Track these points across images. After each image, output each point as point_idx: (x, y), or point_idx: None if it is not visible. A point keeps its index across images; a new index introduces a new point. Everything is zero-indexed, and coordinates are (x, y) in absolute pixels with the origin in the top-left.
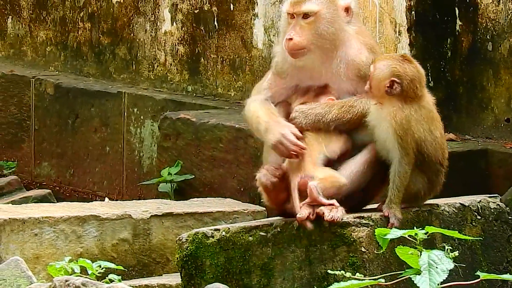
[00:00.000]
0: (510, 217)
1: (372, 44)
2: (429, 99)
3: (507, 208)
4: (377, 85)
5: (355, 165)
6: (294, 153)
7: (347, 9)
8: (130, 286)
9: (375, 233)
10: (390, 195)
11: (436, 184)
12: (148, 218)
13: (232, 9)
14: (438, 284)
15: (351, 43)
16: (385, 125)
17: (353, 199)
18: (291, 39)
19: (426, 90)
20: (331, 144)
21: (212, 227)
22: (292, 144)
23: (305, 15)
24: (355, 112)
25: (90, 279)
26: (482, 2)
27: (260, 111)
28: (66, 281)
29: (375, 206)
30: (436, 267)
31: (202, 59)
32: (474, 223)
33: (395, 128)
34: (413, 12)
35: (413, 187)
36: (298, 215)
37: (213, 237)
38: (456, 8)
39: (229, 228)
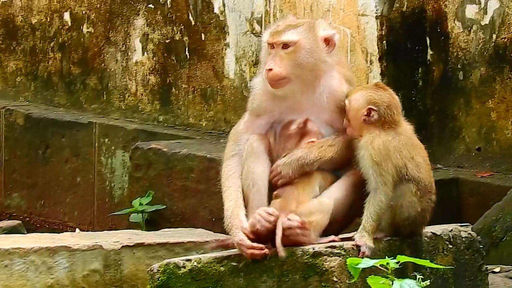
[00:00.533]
0: (481, 246)
1: (350, 76)
2: (407, 127)
3: (478, 237)
4: (355, 115)
5: (338, 192)
6: (253, 256)
7: (327, 40)
8: None
9: (347, 263)
10: (363, 223)
11: (425, 212)
12: (119, 249)
13: (203, 39)
14: None
15: (332, 74)
16: (364, 153)
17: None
18: (270, 69)
19: (402, 117)
20: (316, 180)
21: (184, 258)
22: (247, 249)
23: (285, 45)
24: (335, 150)
25: None
26: (453, 31)
27: (226, 191)
28: None
29: (349, 235)
30: None
31: (174, 89)
32: (445, 252)
33: (372, 155)
34: (384, 42)
35: (400, 214)
36: (280, 254)
37: (184, 267)
38: (428, 38)
39: (200, 259)
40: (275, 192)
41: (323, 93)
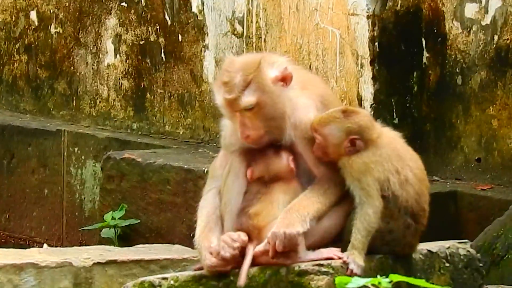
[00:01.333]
0: (481, 265)
1: (321, 93)
2: (390, 136)
3: (478, 254)
4: (336, 150)
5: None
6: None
7: (282, 78)
8: None
9: (335, 282)
10: (352, 240)
11: (415, 229)
12: (90, 266)
13: (180, 40)
14: None
15: (297, 105)
16: (344, 171)
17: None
18: (247, 136)
19: (380, 129)
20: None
21: (160, 276)
22: (209, 266)
23: (246, 107)
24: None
25: None
26: (451, 33)
27: (198, 219)
28: None
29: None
30: None
31: (148, 94)
32: (442, 271)
33: (351, 173)
34: (376, 43)
35: (385, 228)
36: (239, 283)
37: (160, 286)
38: (423, 39)
39: (177, 277)
40: (248, 211)
41: (291, 127)
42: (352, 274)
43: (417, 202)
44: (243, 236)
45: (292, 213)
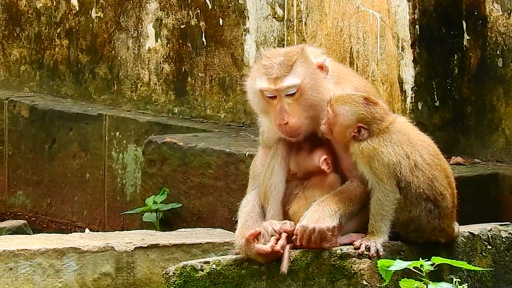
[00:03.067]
0: None
1: (356, 86)
2: (401, 122)
3: None
4: (342, 131)
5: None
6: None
7: (321, 67)
8: None
9: (378, 265)
10: (368, 225)
11: (439, 213)
12: (132, 250)
13: (221, 24)
14: None
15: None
16: (355, 158)
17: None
18: (286, 123)
19: (393, 116)
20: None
21: (202, 260)
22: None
23: (289, 90)
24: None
25: None
26: (491, 15)
27: (240, 218)
28: None
29: None
30: None
31: (189, 78)
32: (484, 253)
33: (362, 159)
34: (417, 26)
35: (407, 217)
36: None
37: (202, 270)
38: (464, 22)
39: (219, 261)
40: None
41: None
42: (363, 256)
43: (431, 187)
44: (283, 227)
45: (323, 207)
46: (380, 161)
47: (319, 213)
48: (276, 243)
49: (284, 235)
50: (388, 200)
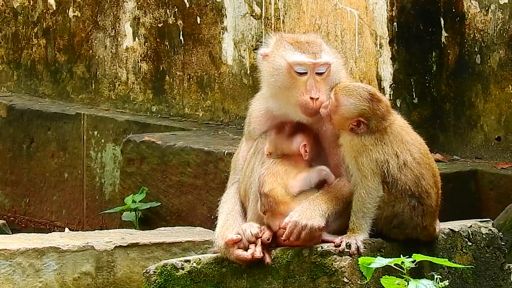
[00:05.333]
0: (503, 243)
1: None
2: (397, 125)
3: (500, 233)
4: (342, 121)
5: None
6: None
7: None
8: None
9: (359, 262)
10: (349, 222)
11: (423, 210)
12: (112, 250)
13: (199, 22)
14: None
15: None
16: (343, 149)
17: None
18: (317, 98)
19: (394, 117)
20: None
21: (182, 258)
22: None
23: (322, 67)
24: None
25: None
26: (469, 12)
27: (219, 216)
28: None
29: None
30: None
31: (167, 77)
32: (464, 250)
33: (350, 153)
34: (395, 24)
35: (390, 212)
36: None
37: (183, 269)
38: (442, 19)
39: (200, 259)
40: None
41: None
42: (342, 251)
43: (417, 185)
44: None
45: (314, 205)
46: (367, 157)
47: (311, 211)
48: (256, 250)
49: (260, 240)
50: (370, 197)
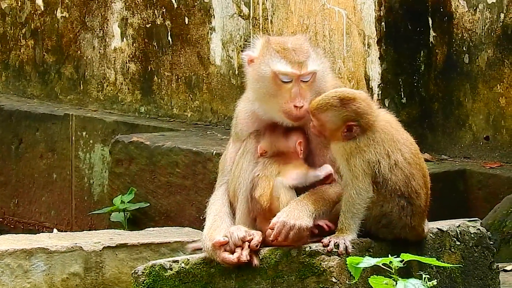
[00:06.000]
0: (491, 243)
1: (335, 84)
2: (386, 119)
3: (488, 232)
4: (334, 134)
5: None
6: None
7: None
8: None
9: (347, 262)
10: (338, 222)
11: (411, 210)
12: (100, 250)
13: (187, 22)
14: None
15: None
16: (335, 153)
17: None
18: (301, 106)
19: (379, 113)
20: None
21: (170, 259)
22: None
23: (305, 78)
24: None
25: None
26: (457, 11)
27: (207, 217)
28: None
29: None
30: None
31: (156, 78)
32: (453, 250)
33: (342, 155)
34: (383, 23)
35: (379, 211)
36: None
37: (171, 269)
38: (430, 18)
39: (188, 260)
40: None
41: None
42: (331, 250)
43: (407, 185)
44: (248, 236)
45: (302, 205)
46: (360, 158)
47: (299, 211)
48: (242, 253)
49: (247, 244)
50: (360, 198)
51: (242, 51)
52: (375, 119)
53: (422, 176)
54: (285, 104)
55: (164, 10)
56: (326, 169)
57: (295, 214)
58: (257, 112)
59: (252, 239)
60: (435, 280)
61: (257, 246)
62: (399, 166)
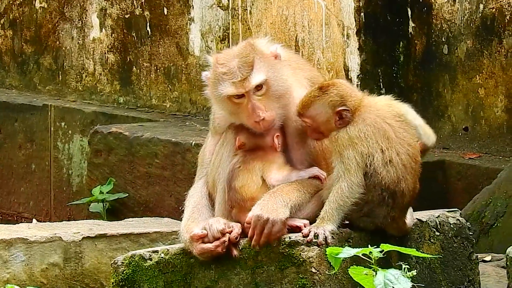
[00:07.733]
0: (471, 233)
1: (311, 75)
2: (378, 117)
3: (468, 223)
4: (328, 127)
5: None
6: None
7: (275, 56)
8: None
9: (327, 252)
10: (321, 211)
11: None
12: (79, 240)
13: (166, 13)
14: None
15: (294, 85)
16: (331, 147)
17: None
18: (263, 118)
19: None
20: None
21: (150, 249)
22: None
23: (257, 88)
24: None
25: None
26: (436, 2)
27: (185, 209)
28: None
29: None
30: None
31: (135, 68)
32: (432, 240)
33: (336, 148)
34: (362, 14)
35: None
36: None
37: (151, 259)
38: (409, 9)
39: (168, 250)
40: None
41: (293, 107)
42: (310, 241)
43: (396, 185)
44: (227, 228)
45: (276, 197)
46: (352, 151)
47: (273, 203)
48: (219, 244)
49: (227, 236)
50: (351, 192)
51: (221, 41)
52: (361, 101)
53: (414, 182)
54: (247, 120)
55: (143, 0)
56: (311, 171)
57: (270, 206)
58: None
59: (232, 231)
60: (415, 270)
61: (236, 238)
62: (393, 164)
